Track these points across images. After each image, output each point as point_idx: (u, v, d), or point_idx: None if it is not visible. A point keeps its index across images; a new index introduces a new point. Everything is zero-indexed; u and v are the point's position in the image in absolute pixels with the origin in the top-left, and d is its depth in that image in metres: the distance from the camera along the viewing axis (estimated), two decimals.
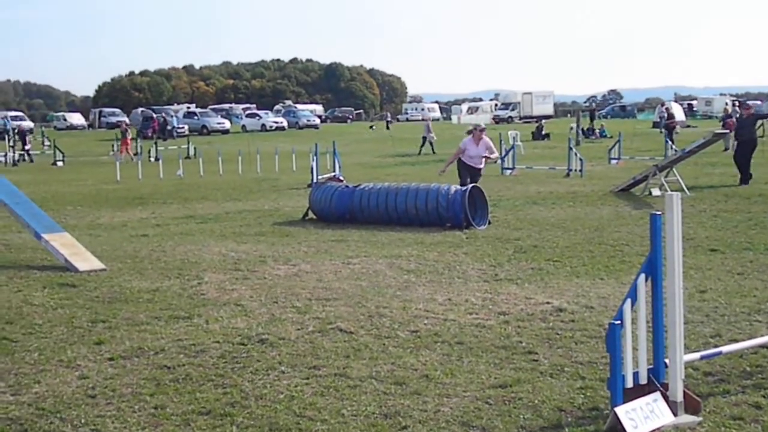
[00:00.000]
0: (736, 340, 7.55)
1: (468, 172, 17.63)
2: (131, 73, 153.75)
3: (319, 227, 16.24)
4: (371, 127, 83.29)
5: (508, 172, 28.45)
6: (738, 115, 26.87)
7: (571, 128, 49.95)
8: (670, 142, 36.29)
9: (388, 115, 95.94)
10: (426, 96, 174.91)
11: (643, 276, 5.94)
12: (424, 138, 44.09)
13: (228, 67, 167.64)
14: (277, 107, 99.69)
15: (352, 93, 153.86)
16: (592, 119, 61.71)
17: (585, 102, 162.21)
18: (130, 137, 42.25)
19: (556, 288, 10.40)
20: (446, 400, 6.41)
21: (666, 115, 47.11)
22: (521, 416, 6.05)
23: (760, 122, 28.00)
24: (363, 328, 8.59)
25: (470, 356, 7.57)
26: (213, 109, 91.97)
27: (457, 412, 6.16)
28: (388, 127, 79.28)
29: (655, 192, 20.20)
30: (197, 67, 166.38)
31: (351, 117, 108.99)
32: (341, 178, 22.99)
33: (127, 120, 66.55)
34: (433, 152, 42.27)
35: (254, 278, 11.35)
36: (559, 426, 5.85)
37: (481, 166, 17.86)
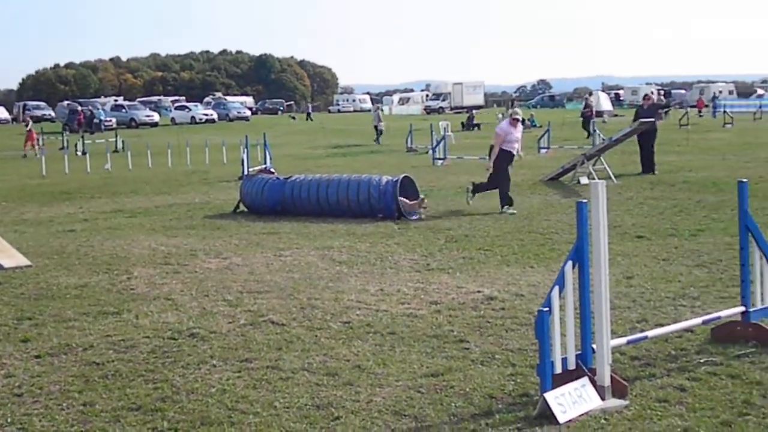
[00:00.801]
0: (661, 325, 7.69)
1: (507, 161, 16.78)
2: (56, 66, 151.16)
3: (251, 220, 16.15)
4: (293, 117, 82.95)
5: (439, 162, 28.55)
6: (639, 105, 27.29)
7: (498, 117, 50.23)
8: (587, 132, 37.52)
9: (310, 106, 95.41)
10: (357, 87, 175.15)
11: (570, 263, 6.03)
12: (376, 127, 44.38)
13: (156, 59, 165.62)
14: (207, 99, 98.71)
15: (282, 85, 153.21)
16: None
17: (515, 92, 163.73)
18: (34, 131, 41.18)
19: (487, 277, 10.49)
20: (378, 390, 6.44)
21: (584, 104, 47.69)
22: (453, 404, 6.10)
23: (664, 111, 28.57)
24: (295, 320, 8.58)
25: (402, 346, 7.61)
26: (141, 102, 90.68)
27: (389, 401, 6.19)
28: (310, 119, 79.27)
29: (584, 180, 20.48)
30: (124, 59, 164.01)
31: (282, 109, 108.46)
32: (272, 170, 22.88)
33: (30, 114, 65.43)
34: (378, 142, 42.27)
35: (185, 272, 11.25)
36: (489, 413, 5.91)
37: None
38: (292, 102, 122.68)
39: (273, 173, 20.68)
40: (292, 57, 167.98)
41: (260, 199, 16.92)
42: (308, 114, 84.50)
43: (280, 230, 14.66)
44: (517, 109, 18.86)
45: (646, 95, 26.94)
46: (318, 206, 16.22)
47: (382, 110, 51.51)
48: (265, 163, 25.78)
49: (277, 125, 69.38)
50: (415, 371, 6.88)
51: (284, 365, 7.10)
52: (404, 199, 15.56)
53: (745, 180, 7.46)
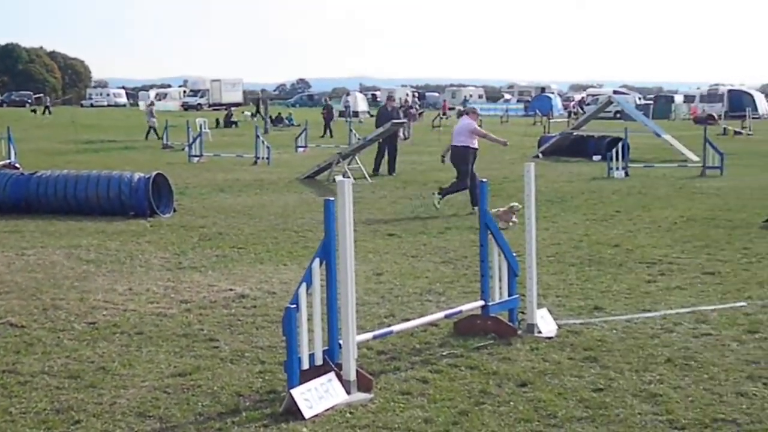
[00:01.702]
0: (407, 320, 7.92)
1: (474, 157, 16.41)
2: None
3: None
4: (33, 111, 79.19)
5: (195, 159, 28.16)
6: (381, 106, 28.03)
7: (252, 116, 50.44)
8: (328, 132, 39.34)
9: (48, 99, 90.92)
10: (113, 81, 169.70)
11: (317, 260, 6.11)
12: (150, 126, 41.77)
13: None
14: None
15: (30, 76, 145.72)
16: (257, 109, 63.10)
17: (274, 90, 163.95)
18: None
19: (239, 275, 10.45)
20: (123, 392, 6.26)
21: (324, 106, 48.55)
22: (200, 403, 6.03)
23: (419, 113, 29.43)
24: (36, 322, 8.19)
25: (150, 346, 7.44)
26: None
27: (133, 403, 6.03)
28: (48, 112, 75.90)
29: (339, 179, 20.75)
30: None
31: (30, 101, 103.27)
32: (17, 165, 21.75)
33: None
34: (157, 136, 40.55)
35: None
36: (237, 411, 5.89)
37: None
38: (41, 95, 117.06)
39: (18, 168, 19.68)
40: (41, 47, 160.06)
41: (2, 195, 15.99)
42: (47, 107, 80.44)
43: (23, 228, 13.94)
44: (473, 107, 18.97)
45: (389, 96, 27.65)
46: (66, 203, 15.55)
47: (153, 105, 49.65)
48: (9, 158, 24.47)
49: (25, 118, 65.96)
50: (162, 371, 6.74)
51: (23, 369, 6.77)
52: (495, 210, 13.91)
53: (485, 180, 7.82)
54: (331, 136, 40.56)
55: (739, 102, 67.56)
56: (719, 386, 6.32)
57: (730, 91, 75.09)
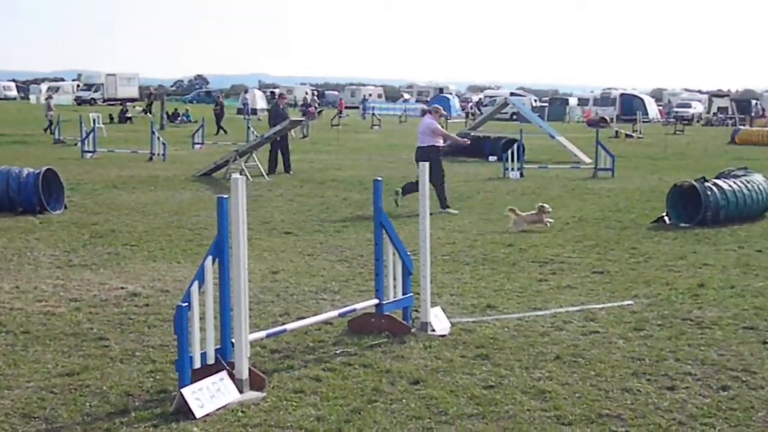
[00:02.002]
0: (302, 318, 7.90)
1: (439, 155, 16.31)
2: None
3: None
4: None
5: (89, 155, 27.54)
6: (273, 104, 27.84)
7: (143, 111, 49.64)
8: (222, 129, 39.24)
9: None
10: (2, 73, 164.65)
11: (210, 258, 6.05)
12: (50, 120, 39.87)
13: None
14: None
15: None
16: (149, 105, 62.43)
17: (172, 86, 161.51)
18: None
19: (132, 273, 10.27)
20: (7, 393, 6.10)
21: (215, 102, 47.96)
22: (87, 403, 5.91)
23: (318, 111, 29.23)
24: None
25: (37, 345, 7.26)
26: None
27: (18, 404, 5.88)
28: None
29: (236, 177, 20.57)
30: None
31: None
32: None
33: None
34: (50, 131, 39.11)
35: None
36: (126, 411, 5.79)
37: None
38: None
39: None
40: None
41: None
42: None
43: None
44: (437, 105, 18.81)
45: (280, 95, 27.44)
46: None
47: (51, 99, 48.03)
48: None
49: None
50: (49, 371, 6.58)
51: None
52: (525, 214, 14.02)
53: (380, 179, 7.86)
54: (225, 133, 40.13)
55: (630, 106, 69.37)
56: (605, 382, 6.48)
57: (622, 95, 77.07)
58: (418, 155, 16.06)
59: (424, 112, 15.67)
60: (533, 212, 14.14)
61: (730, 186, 14.79)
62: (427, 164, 8.01)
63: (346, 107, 73.32)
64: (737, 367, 6.88)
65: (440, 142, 16.28)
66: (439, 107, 18.61)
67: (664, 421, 5.73)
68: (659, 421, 5.73)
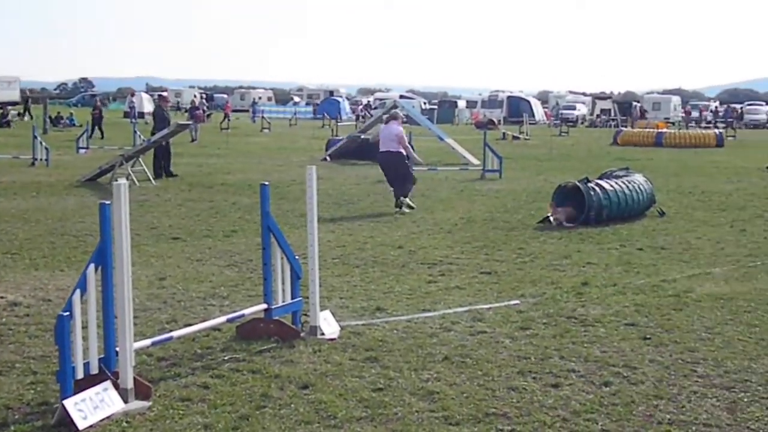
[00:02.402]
0: (190, 324, 7.79)
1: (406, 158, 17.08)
2: None
3: None
4: None
5: None
6: (156, 107, 27.42)
7: (19, 115, 48.35)
8: (99, 132, 38.59)
9: None
10: None
11: (92, 266, 5.92)
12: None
13: None
14: None
15: None
16: (26, 108, 61.05)
17: (55, 89, 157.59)
18: None
19: (12, 282, 9.97)
20: None
21: (93, 106, 46.76)
22: None
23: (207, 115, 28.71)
24: None
25: None
26: None
27: None
28: None
29: (118, 182, 20.17)
30: None
31: None
32: None
33: None
34: None
35: None
36: (5, 424, 5.62)
37: None
38: None
39: None
40: None
41: None
42: None
43: None
44: (398, 110, 19.44)
45: (162, 97, 27.02)
46: None
47: None
48: None
49: None
50: None
51: None
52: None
53: (266, 183, 7.81)
54: (102, 137, 39.27)
55: (517, 108, 70.78)
56: (492, 382, 6.57)
57: (509, 97, 78.52)
58: (390, 160, 16.75)
59: (387, 119, 16.69)
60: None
61: (612, 186, 15.21)
62: (314, 168, 7.99)
63: (236, 110, 72.74)
64: (619, 363, 7.07)
65: (403, 151, 16.81)
66: (399, 113, 18.72)
67: (549, 418, 5.84)
68: (544, 418, 5.85)
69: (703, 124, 68.01)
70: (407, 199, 16.75)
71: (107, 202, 5.94)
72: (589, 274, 10.74)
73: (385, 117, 19.63)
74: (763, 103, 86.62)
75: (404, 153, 16.83)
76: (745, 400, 6.24)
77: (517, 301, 9.22)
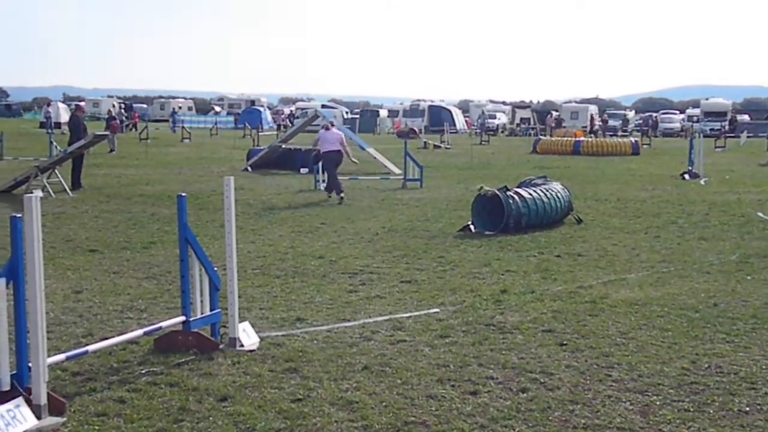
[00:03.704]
0: (107, 338, 7.68)
1: (328, 160, 20.52)
2: None
3: None
4: None
5: None
6: (72, 116, 27.02)
7: None
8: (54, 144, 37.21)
9: None
10: None
11: (3, 281, 5.80)
12: None
13: None
14: None
15: None
16: None
17: None
18: None
19: None
20: None
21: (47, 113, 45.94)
22: None
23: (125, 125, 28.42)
24: None
25: None
26: None
27: None
28: None
29: (38, 193, 19.77)
30: None
31: None
32: None
33: None
34: None
35: None
36: None
37: None
38: None
39: None
40: None
41: None
42: None
43: None
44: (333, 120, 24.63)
45: (77, 107, 26.65)
46: None
47: None
48: None
49: None
50: None
51: None
52: None
53: (184, 194, 7.75)
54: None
55: (438, 117, 71.33)
56: (411, 390, 6.61)
57: (430, 106, 79.10)
58: (333, 158, 20.30)
59: (327, 127, 21.00)
60: None
61: (530, 194, 15.42)
62: (232, 179, 7.95)
63: (155, 120, 71.92)
64: (536, 369, 7.17)
65: (330, 149, 20.25)
66: (333, 121, 23.73)
67: (467, 426, 5.90)
68: (462, 425, 5.90)
69: (620, 133, 69.32)
70: (342, 194, 19.71)
71: (18, 215, 5.82)
72: (508, 281, 10.87)
73: (322, 124, 22.63)
74: (677, 112, 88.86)
75: (344, 153, 20.28)
76: (658, 403, 6.38)
77: (436, 310, 9.29)
